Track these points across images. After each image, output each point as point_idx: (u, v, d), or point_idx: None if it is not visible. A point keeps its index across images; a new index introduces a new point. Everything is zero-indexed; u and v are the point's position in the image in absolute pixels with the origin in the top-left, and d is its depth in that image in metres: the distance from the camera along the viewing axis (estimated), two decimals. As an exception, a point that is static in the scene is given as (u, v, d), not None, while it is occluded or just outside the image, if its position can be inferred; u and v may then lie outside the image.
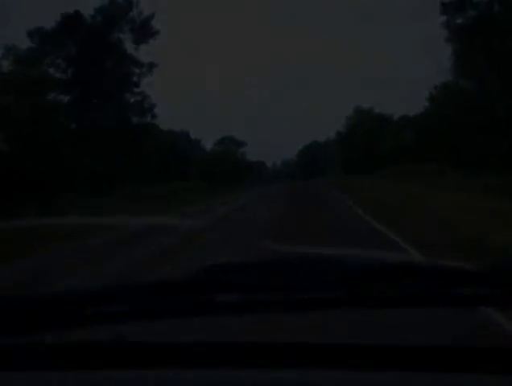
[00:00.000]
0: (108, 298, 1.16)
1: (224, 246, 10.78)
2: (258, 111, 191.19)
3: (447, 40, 35.41)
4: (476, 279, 1.11)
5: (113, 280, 7.69)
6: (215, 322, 1.36)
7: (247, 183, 65.49)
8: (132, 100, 45.45)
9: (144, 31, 44.22)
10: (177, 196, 32.01)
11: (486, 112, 31.62)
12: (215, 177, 67.35)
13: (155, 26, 44.60)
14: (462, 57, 34.26)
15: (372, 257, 1.55)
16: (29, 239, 12.82)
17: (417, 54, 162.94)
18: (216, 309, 1.15)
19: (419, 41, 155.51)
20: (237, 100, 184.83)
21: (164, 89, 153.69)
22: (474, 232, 11.17)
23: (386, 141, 65.48)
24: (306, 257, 1.21)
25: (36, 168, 28.61)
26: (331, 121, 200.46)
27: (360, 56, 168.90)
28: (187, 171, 65.05)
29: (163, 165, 54.09)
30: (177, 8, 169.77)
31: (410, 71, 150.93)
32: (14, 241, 12.26)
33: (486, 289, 1.11)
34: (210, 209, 23.62)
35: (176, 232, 13.50)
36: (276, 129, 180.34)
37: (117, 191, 32.98)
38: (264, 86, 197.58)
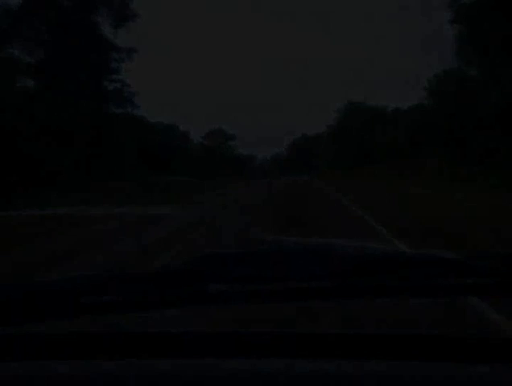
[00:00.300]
0: (103, 288, 1.18)
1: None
2: (249, 104, 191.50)
3: (451, 22, 34.73)
4: (463, 269, 1.16)
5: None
6: (210, 312, 1.44)
7: (232, 179, 64.59)
8: (111, 87, 44.37)
9: (122, 14, 43.02)
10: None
11: (488, 105, 30.92)
12: (201, 172, 66.82)
13: (135, 9, 43.39)
14: (467, 40, 33.44)
15: (361, 247, 1.32)
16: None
17: (415, 45, 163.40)
18: (211, 299, 1.18)
19: (418, 31, 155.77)
20: (227, 92, 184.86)
21: (150, 79, 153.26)
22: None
23: (379, 135, 65.03)
24: (302, 247, 1.26)
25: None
26: (321, 114, 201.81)
27: (351, 49, 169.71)
28: (175, 165, 64.48)
29: (149, 158, 53.28)
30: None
31: (404, 62, 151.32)
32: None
33: (473, 279, 1.15)
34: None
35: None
36: (266, 122, 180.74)
37: (99, 187, 32.10)
38: (254, 79, 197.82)
